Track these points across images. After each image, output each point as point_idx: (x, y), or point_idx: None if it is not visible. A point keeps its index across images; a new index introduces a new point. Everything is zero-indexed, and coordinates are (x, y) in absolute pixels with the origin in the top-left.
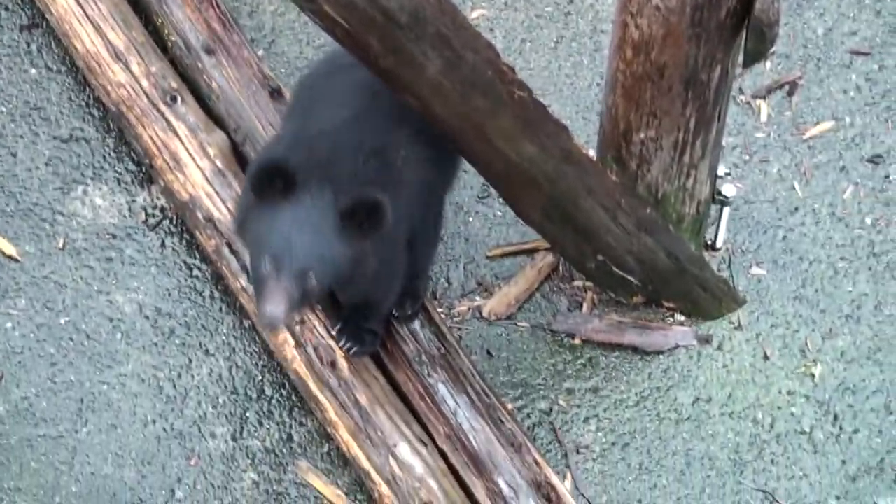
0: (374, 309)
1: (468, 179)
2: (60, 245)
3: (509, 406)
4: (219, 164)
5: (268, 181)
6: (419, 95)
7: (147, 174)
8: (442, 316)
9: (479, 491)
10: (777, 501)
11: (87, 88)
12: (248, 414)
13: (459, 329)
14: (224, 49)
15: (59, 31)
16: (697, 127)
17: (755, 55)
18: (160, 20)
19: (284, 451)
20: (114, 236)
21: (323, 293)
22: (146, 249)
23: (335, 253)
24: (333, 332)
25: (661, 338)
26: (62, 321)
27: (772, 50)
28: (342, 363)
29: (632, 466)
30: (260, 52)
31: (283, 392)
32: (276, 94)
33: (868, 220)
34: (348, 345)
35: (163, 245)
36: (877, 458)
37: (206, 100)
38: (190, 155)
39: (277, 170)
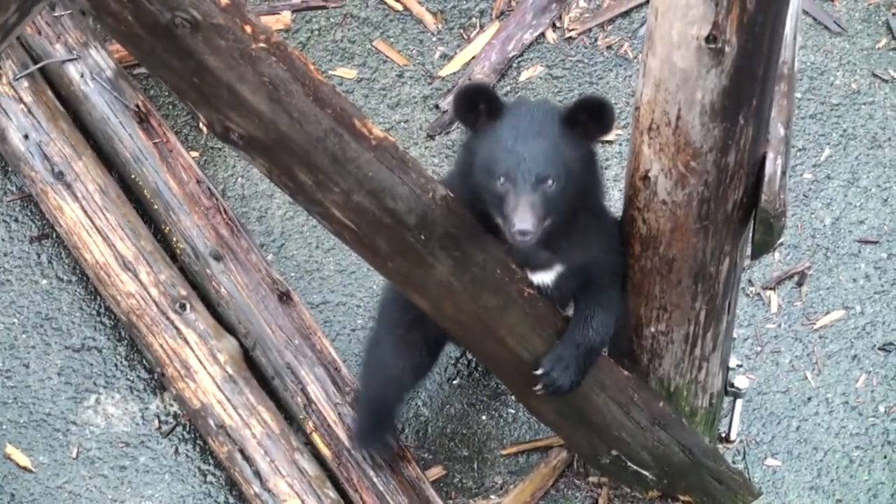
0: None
1: (479, 379)
2: (74, 455)
3: None
4: (229, 370)
5: (470, 104)
6: (429, 296)
7: (159, 381)
8: None
9: None
10: None
11: (98, 298)
12: None
13: None
14: (232, 254)
15: (69, 242)
16: (708, 320)
17: (763, 246)
18: (168, 228)
19: None
20: (127, 444)
21: (567, 200)
22: (160, 457)
23: (566, 156)
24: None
25: None
26: None
27: (780, 241)
28: None
29: None
30: (269, 257)
31: None
32: (285, 297)
33: (882, 408)
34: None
35: (176, 452)
36: None
37: (216, 306)
38: (200, 362)
39: (478, 92)
